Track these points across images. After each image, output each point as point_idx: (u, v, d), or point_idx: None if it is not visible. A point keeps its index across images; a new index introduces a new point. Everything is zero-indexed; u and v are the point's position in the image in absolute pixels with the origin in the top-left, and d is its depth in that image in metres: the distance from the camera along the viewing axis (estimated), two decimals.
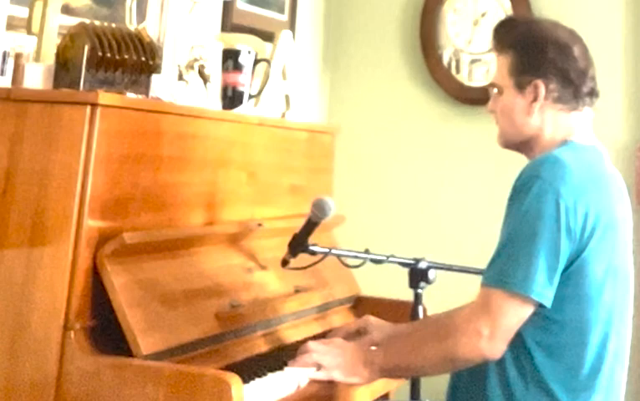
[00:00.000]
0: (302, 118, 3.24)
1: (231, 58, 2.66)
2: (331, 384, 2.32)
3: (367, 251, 2.61)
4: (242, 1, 3.63)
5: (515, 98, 2.20)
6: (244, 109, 2.65)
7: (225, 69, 2.66)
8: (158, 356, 2.02)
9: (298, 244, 2.50)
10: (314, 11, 4.15)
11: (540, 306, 2.06)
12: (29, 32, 2.38)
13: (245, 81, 2.66)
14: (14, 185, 2.04)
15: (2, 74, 2.30)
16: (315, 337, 2.56)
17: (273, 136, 2.74)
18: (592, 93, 2.22)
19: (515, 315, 2.05)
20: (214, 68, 2.71)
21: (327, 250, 2.56)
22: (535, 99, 2.18)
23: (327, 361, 2.20)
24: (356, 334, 2.49)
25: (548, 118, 2.19)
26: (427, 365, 2.17)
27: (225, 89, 2.66)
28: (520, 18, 2.26)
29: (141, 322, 2.02)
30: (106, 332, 2.02)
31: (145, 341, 2.00)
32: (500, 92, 2.23)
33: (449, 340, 2.08)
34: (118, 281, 2.02)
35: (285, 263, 2.50)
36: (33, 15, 2.36)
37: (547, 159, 2.11)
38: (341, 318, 2.77)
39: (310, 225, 2.50)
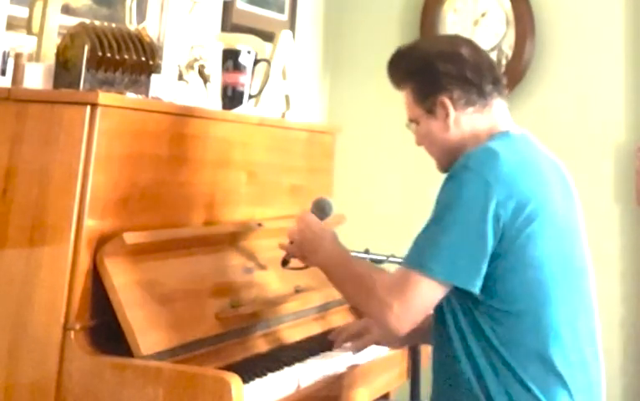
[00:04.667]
0: (302, 118, 3.24)
1: (231, 58, 2.66)
2: (331, 384, 2.33)
3: (367, 251, 2.62)
4: (242, 1, 3.63)
5: (430, 123, 2.25)
6: (244, 109, 2.65)
7: (225, 69, 2.66)
8: (158, 356, 2.01)
9: None
10: (314, 11, 4.15)
11: (467, 291, 2.07)
12: (29, 32, 2.38)
13: (245, 81, 2.66)
14: (14, 185, 2.04)
15: (2, 74, 2.30)
16: (315, 337, 2.57)
17: (273, 136, 2.74)
18: (496, 83, 2.25)
19: (429, 297, 2.09)
20: (214, 68, 2.71)
21: None
22: (447, 115, 2.22)
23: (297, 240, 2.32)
24: (357, 336, 2.50)
25: (465, 125, 2.22)
26: (348, 299, 2.37)
27: (225, 89, 2.66)
28: (403, 48, 2.31)
29: (141, 322, 2.02)
30: (106, 332, 2.02)
31: (145, 341, 2.00)
32: (417, 123, 2.28)
33: (365, 296, 2.15)
34: (118, 281, 2.02)
35: (285, 263, 2.50)
36: (33, 15, 2.36)
37: (477, 149, 2.15)
38: (341, 318, 2.77)
39: None
